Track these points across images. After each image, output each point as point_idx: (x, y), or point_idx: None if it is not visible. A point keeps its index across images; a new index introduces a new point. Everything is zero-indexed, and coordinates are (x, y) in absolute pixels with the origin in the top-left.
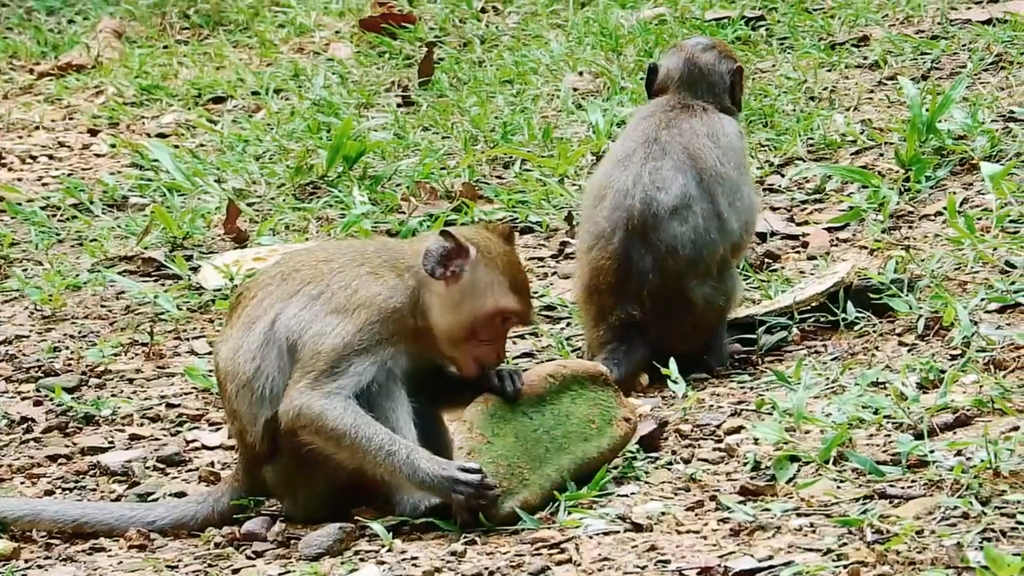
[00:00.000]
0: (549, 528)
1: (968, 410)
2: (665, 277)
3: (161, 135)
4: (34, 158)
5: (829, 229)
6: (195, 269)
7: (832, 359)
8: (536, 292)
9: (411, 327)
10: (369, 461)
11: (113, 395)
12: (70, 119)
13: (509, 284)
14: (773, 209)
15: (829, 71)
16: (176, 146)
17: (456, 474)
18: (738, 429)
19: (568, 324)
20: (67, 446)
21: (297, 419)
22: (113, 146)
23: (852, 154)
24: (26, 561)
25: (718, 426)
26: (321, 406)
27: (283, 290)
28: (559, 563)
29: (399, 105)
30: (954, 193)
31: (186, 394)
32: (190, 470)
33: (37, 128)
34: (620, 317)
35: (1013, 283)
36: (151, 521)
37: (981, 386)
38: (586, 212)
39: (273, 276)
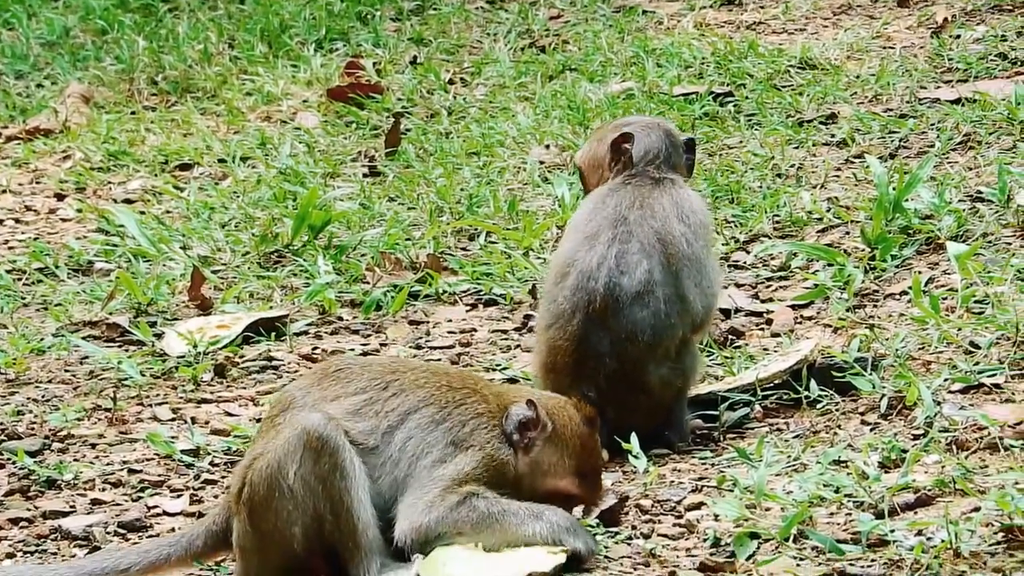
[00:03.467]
0: None
1: (930, 490)
2: (623, 361)
3: (128, 201)
4: (0, 221)
5: (794, 307)
6: (159, 335)
7: (794, 437)
8: (499, 365)
9: (506, 481)
10: (521, 537)
11: (75, 459)
12: (37, 183)
13: (575, 467)
14: (738, 286)
15: (796, 148)
16: (142, 212)
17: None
18: (699, 505)
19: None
20: (29, 509)
21: (427, 533)
22: (79, 211)
23: (818, 231)
24: None
25: (679, 502)
26: (455, 515)
27: (399, 404)
28: None
29: (365, 175)
30: (919, 272)
31: (148, 460)
32: (151, 535)
33: (4, 191)
34: (577, 397)
35: (977, 363)
36: (124, 569)
37: (943, 466)
38: (548, 288)
39: (390, 380)
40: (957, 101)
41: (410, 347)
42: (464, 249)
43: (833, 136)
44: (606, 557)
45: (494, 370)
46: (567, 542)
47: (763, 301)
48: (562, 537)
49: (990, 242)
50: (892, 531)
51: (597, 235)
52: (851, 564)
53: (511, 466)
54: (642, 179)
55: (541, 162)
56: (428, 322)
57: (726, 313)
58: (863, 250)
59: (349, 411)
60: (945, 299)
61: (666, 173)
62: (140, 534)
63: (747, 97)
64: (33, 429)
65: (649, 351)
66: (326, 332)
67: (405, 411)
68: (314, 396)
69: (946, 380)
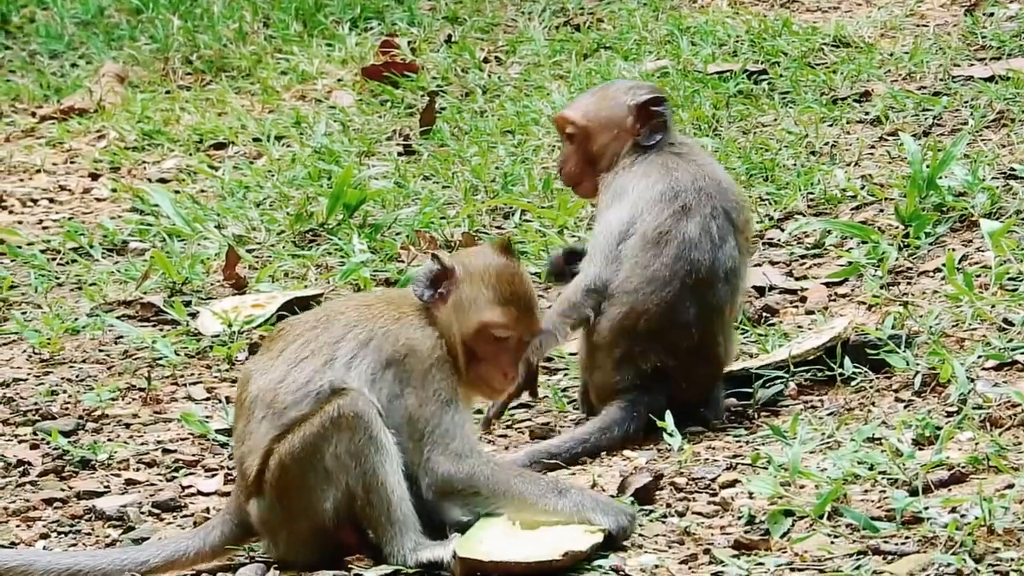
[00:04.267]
0: None
1: (963, 467)
2: (704, 333)
3: (162, 180)
4: (35, 201)
5: (828, 284)
6: (193, 315)
7: (828, 414)
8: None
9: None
10: (540, 508)
11: (110, 439)
12: (71, 163)
13: (496, 296)
14: (772, 263)
15: (830, 126)
16: (177, 191)
17: (624, 512)
18: (733, 483)
19: (565, 375)
20: (63, 490)
21: (447, 487)
22: (114, 190)
23: (852, 209)
24: None
25: (713, 479)
26: (466, 470)
27: (329, 334)
28: None
29: (400, 154)
30: (953, 250)
31: (182, 440)
32: (185, 515)
33: (38, 171)
34: (654, 364)
35: (1011, 340)
36: (143, 561)
37: (977, 443)
38: (633, 253)
39: (317, 320)
40: (991, 79)
41: None
42: (499, 227)
43: (867, 114)
44: (640, 535)
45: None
46: (594, 520)
47: (797, 279)
48: (588, 515)
49: (1023, 219)
50: (926, 508)
51: (688, 207)
52: (885, 541)
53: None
54: (672, 147)
55: None
56: None
57: (760, 291)
58: (897, 227)
59: (289, 359)
60: (979, 276)
61: (682, 137)
62: (174, 514)
63: (781, 75)
64: (67, 409)
65: (722, 325)
66: None
67: (334, 341)
68: (264, 360)
69: (980, 357)
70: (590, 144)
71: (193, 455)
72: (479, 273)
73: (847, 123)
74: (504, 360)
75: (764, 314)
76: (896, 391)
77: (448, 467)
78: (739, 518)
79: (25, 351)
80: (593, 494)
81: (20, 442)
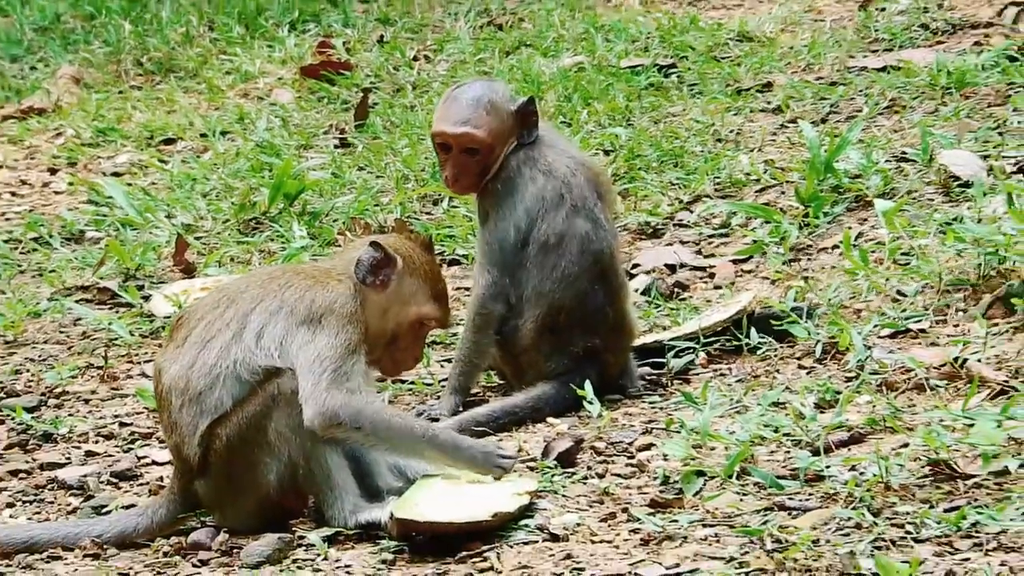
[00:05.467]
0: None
1: (862, 428)
2: (616, 309)
3: (116, 174)
4: None
5: (734, 261)
6: (146, 298)
7: (736, 381)
8: (462, 320)
9: (363, 331)
10: (410, 447)
11: (70, 414)
12: (31, 159)
13: (430, 292)
14: (683, 243)
15: (735, 115)
16: (129, 184)
17: (496, 455)
18: (649, 446)
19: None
20: (27, 462)
21: (333, 419)
22: (71, 184)
23: (756, 192)
24: None
25: (630, 443)
26: (355, 405)
27: (235, 310)
28: (482, 571)
29: (336, 146)
30: (850, 228)
31: (138, 414)
32: (141, 484)
33: (1, 167)
34: (582, 346)
35: (904, 310)
36: (97, 535)
37: (874, 406)
38: (538, 260)
39: (218, 300)
40: (883, 69)
41: None
42: (428, 213)
43: (769, 103)
44: (564, 496)
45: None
46: (461, 463)
47: (706, 256)
48: (455, 459)
49: (914, 198)
50: (828, 467)
51: (576, 206)
52: (790, 498)
53: (363, 313)
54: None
55: None
56: None
57: (672, 268)
58: (797, 208)
59: (196, 343)
60: (874, 252)
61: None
62: (131, 483)
63: (689, 68)
64: (30, 387)
65: (626, 296)
66: None
67: (244, 314)
68: (171, 350)
69: (875, 326)
70: (490, 156)
71: (148, 428)
72: (417, 268)
73: (751, 112)
74: (417, 346)
75: (676, 289)
76: (799, 359)
77: (339, 400)
78: (655, 479)
79: None
80: (468, 441)
81: None
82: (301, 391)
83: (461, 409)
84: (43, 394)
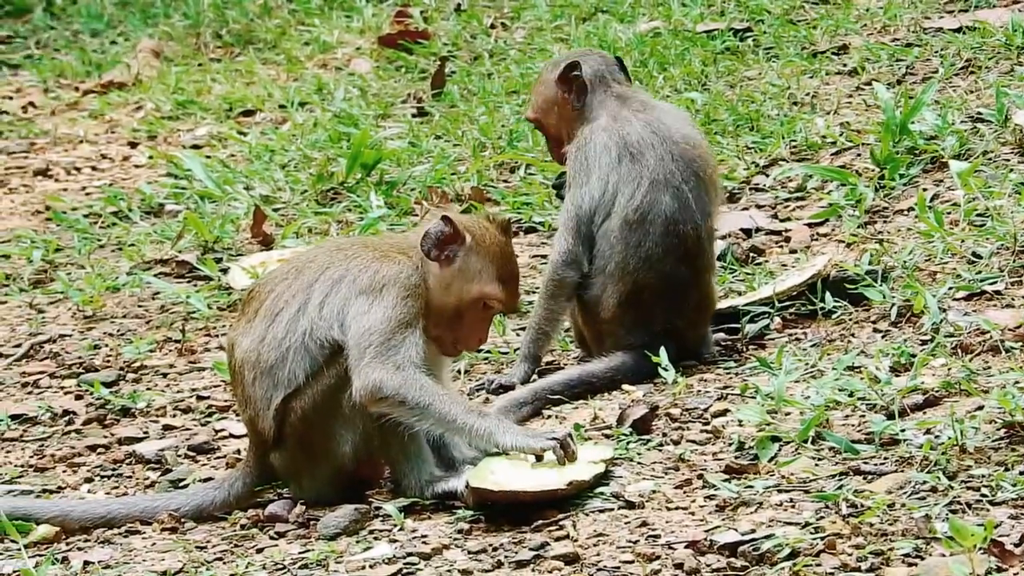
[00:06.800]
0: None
1: (937, 391)
2: (700, 288)
3: (195, 146)
4: (78, 169)
5: (810, 225)
6: (224, 271)
7: (811, 346)
8: (536, 287)
9: (424, 306)
10: (455, 427)
11: (148, 389)
12: (111, 133)
13: (497, 273)
14: (758, 207)
15: (811, 78)
16: (208, 157)
17: (542, 437)
18: (723, 412)
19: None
20: (105, 437)
21: (377, 393)
22: (151, 157)
23: (832, 155)
24: (67, 544)
25: (705, 410)
26: (399, 379)
27: (301, 281)
28: (557, 539)
29: (414, 115)
30: (925, 190)
31: (215, 387)
32: (219, 457)
33: (82, 142)
34: (663, 325)
35: (979, 272)
36: (174, 509)
37: (949, 369)
38: (622, 236)
39: (287, 272)
40: (959, 30)
41: None
42: (505, 181)
43: (845, 66)
44: (639, 463)
45: (531, 292)
46: (503, 444)
47: (781, 220)
48: (498, 439)
49: (990, 159)
50: (903, 431)
51: (657, 182)
52: (865, 463)
53: (427, 288)
54: (615, 101)
55: None
56: None
57: (747, 232)
58: (873, 170)
59: (266, 316)
60: (949, 214)
61: (625, 89)
62: (208, 456)
63: (765, 32)
64: (109, 362)
65: (712, 275)
66: None
67: (308, 285)
68: (243, 324)
69: (950, 289)
70: (550, 129)
71: (225, 401)
72: (486, 247)
73: (826, 75)
74: (481, 327)
75: (751, 254)
76: (874, 322)
77: (383, 374)
78: (730, 445)
79: (70, 309)
80: (513, 425)
81: (65, 393)
82: (350, 363)
83: (536, 377)
84: (121, 368)
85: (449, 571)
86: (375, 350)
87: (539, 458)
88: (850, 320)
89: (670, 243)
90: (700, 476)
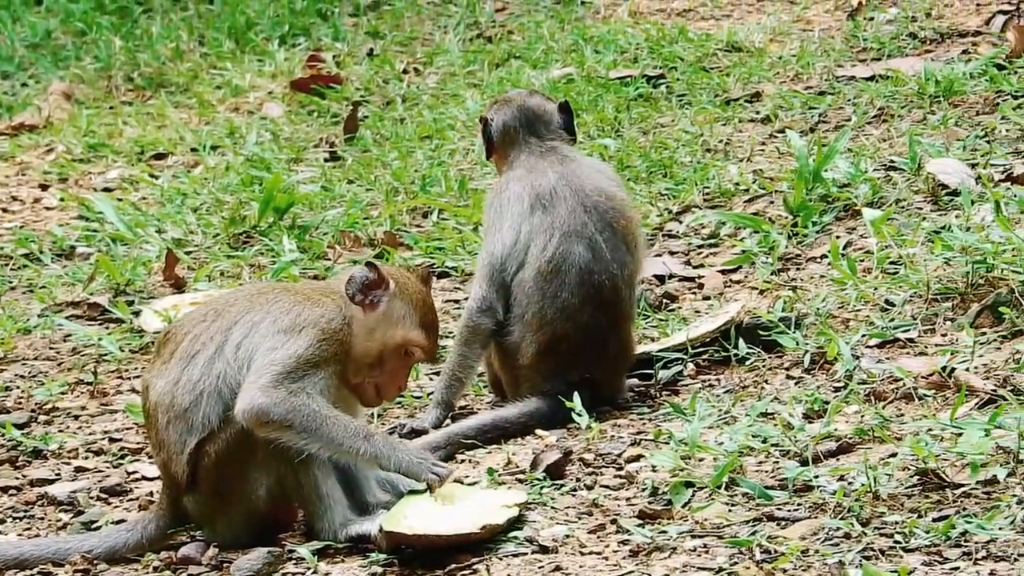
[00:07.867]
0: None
1: (850, 438)
2: (620, 338)
3: (107, 189)
4: None
5: (723, 271)
6: (136, 313)
7: (724, 392)
8: (451, 334)
9: (344, 352)
10: (345, 449)
11: (60, 431)
12: (22, 175)
13: (420, 320)
14: (671, 253)
15: (724, 125)
16: (120, 199)
17: (431, 463)
18: (637, 458)
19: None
20: (17, 478)
21: (261, 416)
22: (62, 200)
23: (745, 202)
24: None
25: (619, 455)
26: (291, 402)
27: (220, 323)
28: None
29: (326, 159)
30: (838, 237)
31: (127, 429)
32: (131, 499)
33: None
34: (581, 375)
35: (892, 320)
36: (87, 551)
37: (862, 416)
38: (538, 286)
39: (205, 314)
40: (871, 78)
41: None
42: (418, 226)
43: (758, 113)
44: (553, 507)
45: (447, 337)
46: (390, 466)
47: (695, 267)
48: (384, 462)
49: (903, 207)
50: (816, 477)
51: (568, 233)
52: (779, 508)
53: (350, 333)
54: (535, 153)
55: None
56: None
57: (660, 279)
58: (786, 218)
59: (181, 358)
60: (862, 261)
61: (547, 142)
62: (121, 498)
63: (678, 79)
64: (20, 403)
65: (631, 326)
66: None
67: (227, 327)
68: (158, 366)
69: (864, 336)
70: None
71: (137, 443)
72: (409, 294)
73: (739, 122)
74: (401, 375)
75: (664, 300)
76: (787, 369)
77: (275, 395)
78: (643, 490)
79: None
80: (402, 445)
81: None
82: (243, 384)
83: (449, 422)
84: (33, 410)
85: None
86: (271, 376)
87: (367, 536)
88: (763, 367)
89: (586, 293)
90: (614, 521)
